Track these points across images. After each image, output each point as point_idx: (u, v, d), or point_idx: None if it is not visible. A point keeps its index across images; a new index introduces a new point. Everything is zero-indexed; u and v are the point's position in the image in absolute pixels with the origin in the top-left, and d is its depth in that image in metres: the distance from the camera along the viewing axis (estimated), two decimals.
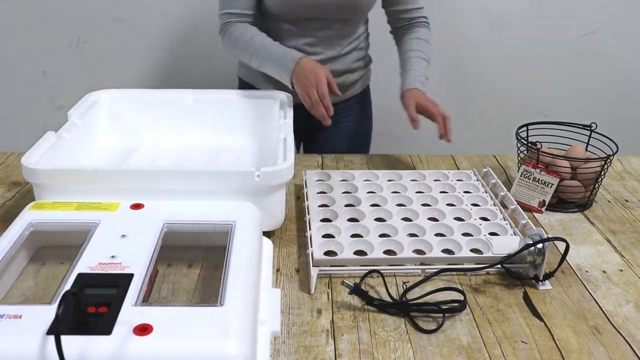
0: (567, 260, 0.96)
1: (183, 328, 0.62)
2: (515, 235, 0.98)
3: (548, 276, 0.89)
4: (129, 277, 0.69)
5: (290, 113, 1.15)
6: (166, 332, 0.61)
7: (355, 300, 0.84)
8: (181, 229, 0.83)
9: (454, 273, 0.91)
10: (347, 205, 1.07)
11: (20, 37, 1.99)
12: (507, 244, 0.93)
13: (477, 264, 0.92)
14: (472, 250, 0.95)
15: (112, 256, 0.73)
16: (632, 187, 1.24)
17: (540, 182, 1.10)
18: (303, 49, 1.27)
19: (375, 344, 0.76)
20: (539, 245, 0.88)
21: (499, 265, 0.90)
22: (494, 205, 1.07)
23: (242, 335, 0.62)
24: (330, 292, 0.86)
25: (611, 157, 1.10)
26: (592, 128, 1.18)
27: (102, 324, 0.61)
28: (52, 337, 0.58)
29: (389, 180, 1.17)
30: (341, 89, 1.27)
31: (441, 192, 1.13)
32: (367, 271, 0.88)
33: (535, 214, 1.11)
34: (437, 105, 1.21)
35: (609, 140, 1.14)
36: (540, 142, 1.13)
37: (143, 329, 0.61)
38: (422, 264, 0.91)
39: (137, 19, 1.97)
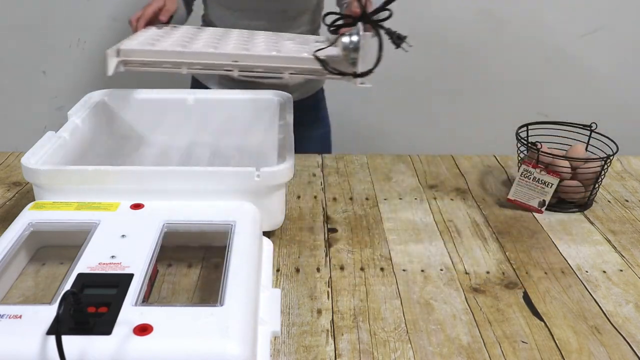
0: (567, 260, 0.96)
1: (183, 328, 0.62)
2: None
3: (366, 74, 0.86)
4: (129, 277, 0.69)
5: (290, 113, 1.15)
6: (166, 332, 0.61)
7: (356, 300, 0.85)
8: (181, 229, 0.83)
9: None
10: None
11: (20, 37, 1.99)
12: (329, 50, 0.92)
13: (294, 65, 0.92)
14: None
15: (112, 256, 0.73)
16: (632, 187, 1.24)
17: (540, 182, 1.10)
18: None
19: (375, 344, 0.76)
20: (354, 39, 0.86)
21: (318, 62, 0.88)
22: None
23: (242, 335, 0.62)
24: (330, 292, 0.86)
25: (611, 157, 1.10)
26: (592, 128, 1.18)
27: (102, 324, 0.61)
28: (52, 337, 0.58)
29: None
30: (287, 90, 1.27)
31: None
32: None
33: (535, 214, 1.11)
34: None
35: (609, 140, 1.14)
36: (540, 142, 1.13)
37: (143, 329, 0.61)
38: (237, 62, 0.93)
39: None
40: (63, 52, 2.00)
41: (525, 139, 1.17)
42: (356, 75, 0.85)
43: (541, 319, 0.82)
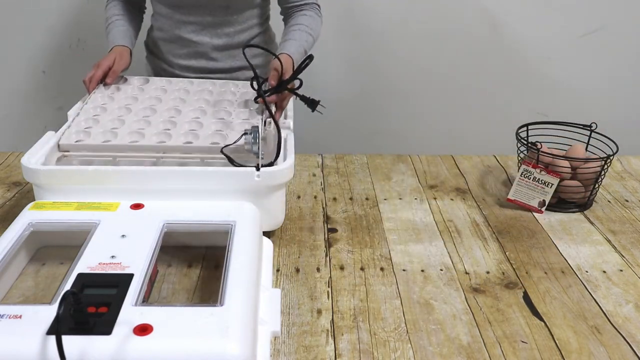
0: (567, 260, 0.96)
1: (183, 328, 0.62)
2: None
3: (267, 166, 0.93)
4: (129, 277, 0.69)
5: (290, 113, 1.15)
6: (166, 332, 0.61)
7: (356, 300, 0.84)
8: (181, 229, 0.83)
9: None
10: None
11: (20, 37, 1.99)
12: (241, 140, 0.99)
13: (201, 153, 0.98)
14: (212, 144, 1.00)
15: (112, 256, 0.73)
16: (632, 187, 1.24)
17: (540, 182, 1.10)
18: (189, 37, 1.33)
19: (375, 344, 0.76)
20: (253, 139, 0.95)
21: (222, 154, 0.95)
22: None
23: (242, 335, 0.62)
24: (330, 292, 0.86)
25: (611, 157, 1.10)
26: (592, 128, 1.19)
27: (102, 324, 0.61)
28: (52, 337, 0.58)
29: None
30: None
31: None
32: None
33: (535, 214, 1.11)
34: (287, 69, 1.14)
35: (609, 140, 1.14)
36: (540, 142, 1.13)
37: (143, 329, 0.61)
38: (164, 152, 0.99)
39: None
40: (63, 52, 2.00)
41: (525, 139, 1.18)
42: (258, 168, 0.92)
43: (541, 319, 0.82)
